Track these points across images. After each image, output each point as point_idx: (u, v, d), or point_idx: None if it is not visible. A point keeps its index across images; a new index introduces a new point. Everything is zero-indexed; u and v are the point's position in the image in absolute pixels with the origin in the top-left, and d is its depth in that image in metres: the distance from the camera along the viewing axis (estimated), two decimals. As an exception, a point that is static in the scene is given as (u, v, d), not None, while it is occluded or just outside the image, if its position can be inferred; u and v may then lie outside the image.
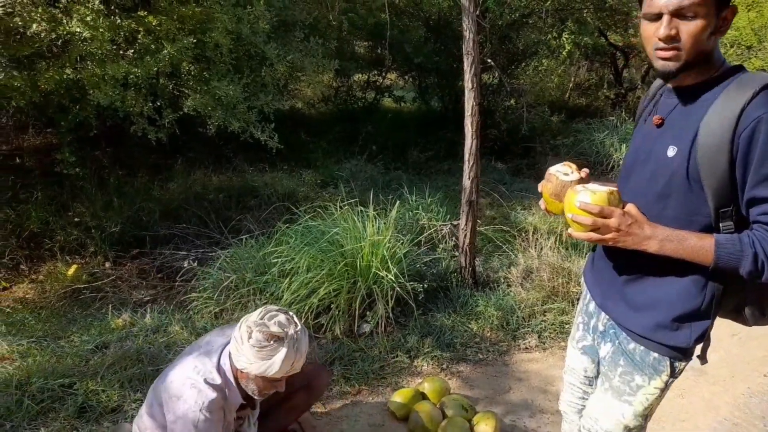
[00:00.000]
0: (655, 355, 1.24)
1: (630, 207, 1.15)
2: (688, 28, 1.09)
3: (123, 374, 2.42)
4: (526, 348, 2.95)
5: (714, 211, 1.14)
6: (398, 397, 2.37)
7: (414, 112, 7.87)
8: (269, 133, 4.09)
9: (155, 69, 3.47)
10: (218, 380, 1.67)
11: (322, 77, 7.07)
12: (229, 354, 1.70)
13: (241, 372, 1.66)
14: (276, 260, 2.96)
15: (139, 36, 3.47)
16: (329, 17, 5.67)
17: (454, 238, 3.68)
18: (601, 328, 1.38)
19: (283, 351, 1.60)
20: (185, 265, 3.38)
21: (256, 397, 1.75)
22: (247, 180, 4.76)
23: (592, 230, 1.15)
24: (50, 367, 2.45)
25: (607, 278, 1.33)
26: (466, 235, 3.29)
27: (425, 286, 3.03)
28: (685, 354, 1.24)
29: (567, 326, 3.09)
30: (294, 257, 2.93)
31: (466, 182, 3.20)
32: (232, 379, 1.70)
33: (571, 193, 1.18)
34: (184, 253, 3.64)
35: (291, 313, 1.72)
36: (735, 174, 1.10)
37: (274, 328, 1.60)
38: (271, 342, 1.59)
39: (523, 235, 3.80)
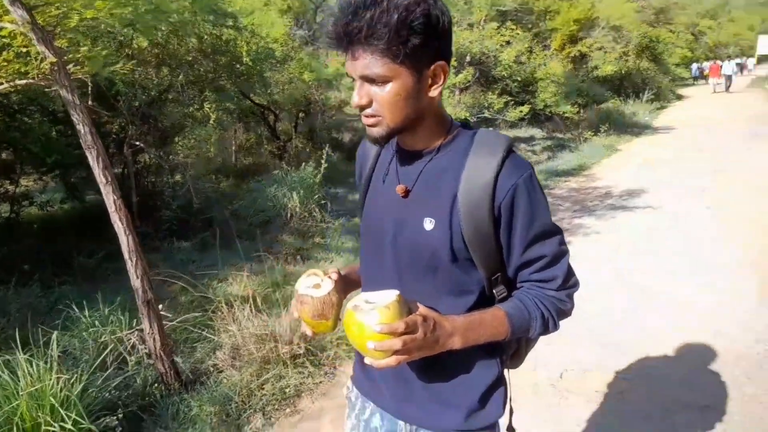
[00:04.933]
0: None
1: (422, 308, 1.02)
2: (382, 95, 1.01)
3: None
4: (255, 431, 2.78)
5: (487, 280, 1.12)
6: None
7: (68, 213, 6.89)
8: None
9: None
10: None
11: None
12: None
13: None
14: None
15: None
16: None
17: (145, 345, 3.27)
18: None
19: None
20: None
21: None
22: None
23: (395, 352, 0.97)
24: None
25: (399, 384, 1.21)
26: (154, 338, 2.94)
27: (120, 415, 2.58)
28: (496, 426, 1.21)
29: (287, 389, 3.03)
30: None
31: (136, 282, 2.87)
32: None
33: (354, 319, 0.99)
34: None
35: None
36: (500, 241, 1.08)
37: None
38: None
39: (220, 313, 3.62)
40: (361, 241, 1.29)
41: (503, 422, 1.26)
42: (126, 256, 2.83)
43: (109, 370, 2.99)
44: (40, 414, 2.33)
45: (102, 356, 3.00)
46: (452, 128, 1.13)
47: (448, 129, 1.13)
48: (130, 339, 3.33)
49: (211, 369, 3.23)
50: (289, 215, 6.50)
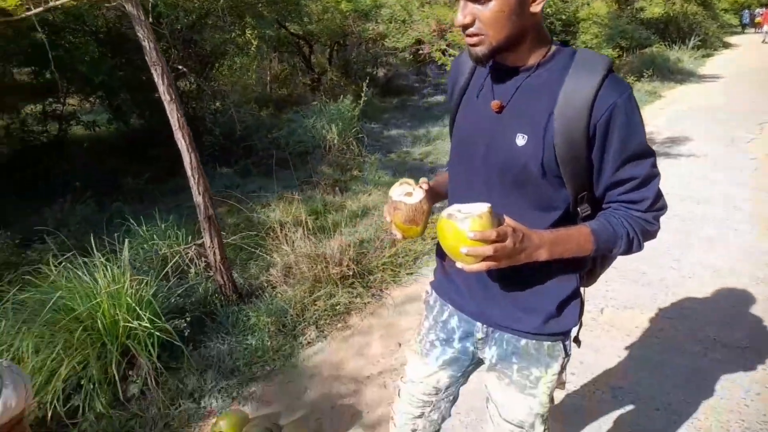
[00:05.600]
0: (548, 343, 1.25)
1: (510, 221, 1.06)
2: (485, 13, 1.04)
3: None
4: (309, 342, 2.95)
5: (573, 197, 1.15)
6: (195, 448, 2.13)
7: (114, 134, 7.04)
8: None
9: None
10: None
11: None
12: None
13: None
14: (-13, 355, 2.32)
15: None
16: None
17: (203, 259, 3.43)
18: (479, 336, 1.32)
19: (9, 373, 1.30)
20: None
21: None
22: None
23: (485, 258, 1.04)
24: None
25: (482, 289, 1.27)
26: (215, 252, 3.10)
27: (188, 318, 2.76)
28: (570, 334, 1.28)
29: (338, 307, 3.19)
30: (12, 343, 2.34)
31: (198, 198, 2.99)
32: None
33: (449, 225, 1.05)
34: None
35: None
36: (591, 160, 1.10)
37: None
38: None
39: (272, 234, 3.76)
40: (450, 154, 1.34)
41: (573, 333, 1.33)
42: (189, 173, 2.93)
43: (172, 280, 3.17)
44: (118, 312, 2.51)
45: (165, 267, 3.17)
46: (551, 46, 1.14)
47: (547, 47, 1.14)
48: (188, 253, 3.49)
49: (265, 285, 3.40)
50: (327, 147, 6.54)
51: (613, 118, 1.05)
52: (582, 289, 1.31)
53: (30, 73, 6.36)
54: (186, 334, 2.71)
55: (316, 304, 3.17)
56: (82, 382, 2.36)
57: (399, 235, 1.25)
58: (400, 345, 2.91)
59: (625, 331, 3.00)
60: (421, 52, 7.77)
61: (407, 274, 3.64)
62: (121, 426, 2.33)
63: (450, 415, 1.52)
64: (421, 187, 1.22)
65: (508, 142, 1.13)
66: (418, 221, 1.21)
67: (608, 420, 2.32)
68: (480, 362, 1.41)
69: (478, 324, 1.32)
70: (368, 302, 3.31)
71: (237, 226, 4.50)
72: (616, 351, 2.83)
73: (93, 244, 2.79)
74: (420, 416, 1.49)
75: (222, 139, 6.47)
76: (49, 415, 2.28)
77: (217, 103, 6.94)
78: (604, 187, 1.14)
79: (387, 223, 1.26)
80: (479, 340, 1.33)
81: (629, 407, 2.39)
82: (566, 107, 1.07)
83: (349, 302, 3.24)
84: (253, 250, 3.70)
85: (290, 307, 3.10)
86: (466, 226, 1.02)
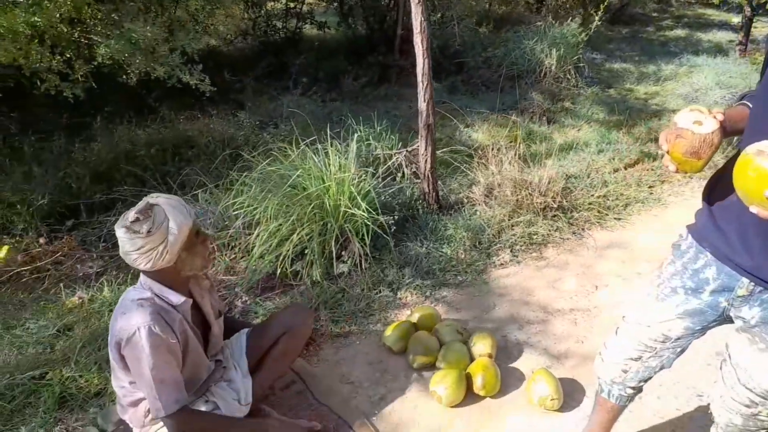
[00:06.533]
0: None
1: None
2: None
3: (98, 355, 2.25)
4: (501, 264, 3.00)
5: None
6: (391, 331, 2.36)
7: (340, 38, 7.49)
8: (198, 75, 3.75)
9: (58, 15, 3.02)
10: (146, 294, 1.59)
11: (234, 9, 6.54)
12: (141, 274, 1.61)
13: (160, 271, 1.56)
14: (238, 212, 2.79)
15: (30, -23, 2.99)
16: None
17: (412, 165, 3.61)
18: (741, 292, 1.22)
19: (161, 210, 1.51)
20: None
21: (200, 276, 1.74)
22: (179, 130, 4.39)
23: None
24: (13, 361, 2.24)
25: (760, 241, 1.16)
26: (426, 160, 3.23)
27: (396, 217, 2.97)
28: None
29: (535, 236, 3.16)
30: (257, 207, 2.77)
31: (422, 105, 3.09)
32: (159, 286, 1.60)
33: (756, 164, 0.95)
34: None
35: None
36: None
37: (132, 214, 1.52)
38: (142, 218, 1.50)
39: (480, 152, 3.78)
40: (761, 85, 1.17)
41: None
42: (419, 78, 3.02)
43: (384, 180, 3.41)
44: (341, 198, 2.79)
45: (378, 168, 3.41)
46: None
47: None
48: (398, 157, 3.70)
49: (465, 201, 3.48)
50: (543, 73, 6.21)
51: None
52: None
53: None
54: (392, 230, 2.93)
55: (513, 229, 3.18)
56: (306, 251, 2.72)
57: (673, 168, 1.16)
58: (596, 287, 2.81)
59: None
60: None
61: (615, 218, 3.43)
62: (330, 296, 2.66)
63: (670, 366, 1.45)
64: (715, 117, 1.10)
65: None
66: (702, 155, 1.10)
67: None
68: (727, 321, 1.30)
69: (744, 280, 1.20)
70: (568, 238, 3.22)
71: (441, 141, 4.61)
72: None
73: (328, 135, 3.08)
74: (636, 359, 1.45)
75: (437, 52, 6.50)
76: (278, 272, 2.69)
77: (439, 14, 6.92)
78: None
79: (662, 151, 1.16)
80: (739, 297, 1.22)
81: None
82: None
83: (548, 234, 3.19)
84: (458, 165, 3.77)
85: (488, 226, 3.15)
86: None
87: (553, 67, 6.18)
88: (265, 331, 2.00)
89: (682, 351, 1.41)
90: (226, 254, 2.77)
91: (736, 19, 9.31)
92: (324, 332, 2.44)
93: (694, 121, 1.11)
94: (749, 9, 7.40)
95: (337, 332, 2.47)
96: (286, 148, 3.08)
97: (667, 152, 1.15)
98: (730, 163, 1.14)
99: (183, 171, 3.68)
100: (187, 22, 4.10)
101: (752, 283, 1.19)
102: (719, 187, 1.25)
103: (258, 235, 2.69)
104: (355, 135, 3.26)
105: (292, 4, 7.01)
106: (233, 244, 2.80)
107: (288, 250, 2.65)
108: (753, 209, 0.98)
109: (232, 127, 4.51)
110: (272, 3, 7.38)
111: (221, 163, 3.71)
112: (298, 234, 2.65)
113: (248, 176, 2.97)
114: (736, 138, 1.28)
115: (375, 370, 2.28)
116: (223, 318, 1.92)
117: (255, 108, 5.24)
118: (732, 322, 1.28)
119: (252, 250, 2.70)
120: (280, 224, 2.69)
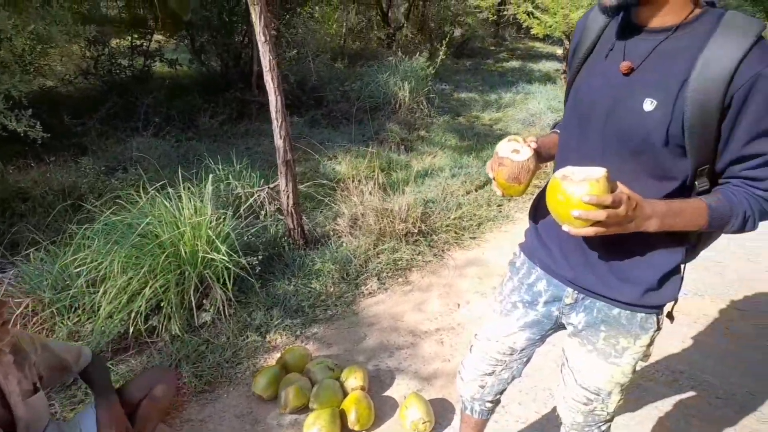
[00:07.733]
0: (642, 315, 1.23)
1: (624, 188, 1.03)
2: None
3: None
4: (370, 293, 3.04)
5: (693, 170, 1.09)
6: (261, 377, 2.26)
7: (193, 75, 7.25)
8: (27, 121, 3.39)
9: None
10: None
11: (71, 48, 6.07)
12: None
13: None
14: (80, 269, 2.53)
15: None
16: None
17: (274, 202, 3.56)
18: (567, 301, 1.31)
19: None
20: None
21: None
22: (8, 182, 3.93)
23: (594, 223, 1.02)
24: None
25: (580, 254, 1.24)
26: (288, 196, 3.20)
27: (260, 257, 2.89)
28: (664, 308, 1.26)
29: (400, 262, 3.25)
30: (102, 261, 2.53)
31: (279, 142, 3.07)
32: None
33: (562, 187, 1.03)
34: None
35: None
36: (720, 131, 1.04)
37: None
38: None
39: (342, 184, 3.83)
40: (565, 116, 1.30)
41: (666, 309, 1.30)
42: (273, 115, 3.01)
43: (245, 220, 3.31)
44: (198, 243, 2.66)
45: (239, 207, 3.31)
46: (697, 7, 1.05)
47: (692, 7, 1.05)
48: (260, 195, 3.63)
49: (331, 233, 3.49)
50: (398, 104, 6.51)
51: (755, 88, 0.97)
52: (682, 264, 1.26)
53: (122, 8, 6.59)
54: (257, 270, 2.84)
55: (379, 257, 3.24)
56: (162, 305, 2.54)
57: (499, 192, 1.24)
58: (459, 305, 2.95)
59: (692, 318, 2.92)
60: (504, 12, 7.50)
61: (470, 237, 3.65)
62: (192, 350, 2.49)
63: (520, 376, 1.55)
64: (529, 145, 1.19)
65: (635, 107, 1.07)
66: (522, 180, 1.19)
67: (666, 402, 2.30)
68: (561, 327, 1.41)
69: (569, 289, 1.30)
70: (430, 261, 3.35)
71: (304, 175, 4.61)
72: (681, 336, 2.77)
73: (179, 177, 2.93)
74: (490, 374, 1.52)
75: (295, 87, 6.55)
76: (131, 331, 2.47)
77: (294, 51, 6.99)
78: (728, 160, 1.08)
79: (489, 178, 1.24)
80: (567, 305, 1.32)
81: (689, 392, 2.35)
82: (704, 73, 0.99)
83: (412, 258, 3.30)
84: (321, 198, 3.79)
85: (355, 257, 3.18)
86: (582, 189, 1.00)
87: (406, 99, 6.51)
88: (121, 398, 1.80)
89: (528, 360, 1.52)
90: (67, 318, 2.49)
91: (559, 51, 10.56)
92: (186, 390, 2.27)
93: (513, 150, 1.20)
94: (568, 42, 8.43)
95: (202, 387, 2.31)
96: (133, 194, 2.88)
97: (494, 179, 1.24)
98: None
99: (14, 228, 3.27)
100: (11, 64, 3.71)
101: (575, 292, 1.30)
102: (541, 207, 1.37)
103: (105, 293, 2.45)
104: (210, 176, 3.13)
105: (138, 42, 6.66)
106: (76, 305, 2.53)
107: (141, 306, 2.45)
108: (565, 228, 1.07)
109: (74, 174, 4.13)
110: (117, 40, 6.98)
111: (60, 216, 3.36)
112: (151, 286, 2.46)
113: (90, 228, 2.71)
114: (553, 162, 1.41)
115: (245, 422, 2.16)
116: (42, 393, 1.65)
117: (100, 152, 4.85)
118: (565, 328, 1.40)
119: (99, 310, 2.45)
120: (130, 278, 2.48)
